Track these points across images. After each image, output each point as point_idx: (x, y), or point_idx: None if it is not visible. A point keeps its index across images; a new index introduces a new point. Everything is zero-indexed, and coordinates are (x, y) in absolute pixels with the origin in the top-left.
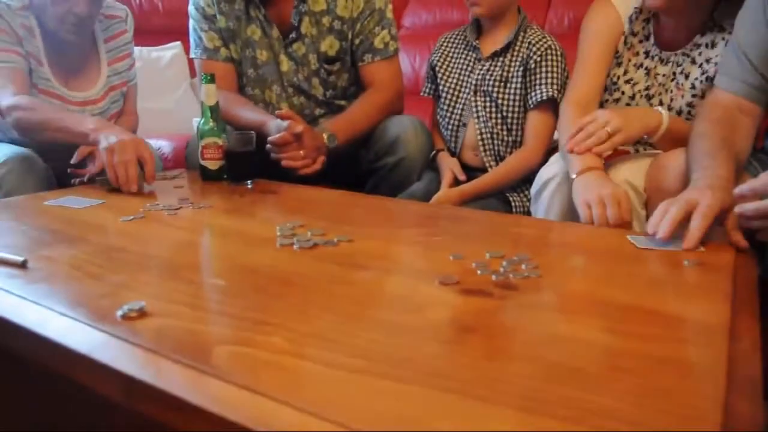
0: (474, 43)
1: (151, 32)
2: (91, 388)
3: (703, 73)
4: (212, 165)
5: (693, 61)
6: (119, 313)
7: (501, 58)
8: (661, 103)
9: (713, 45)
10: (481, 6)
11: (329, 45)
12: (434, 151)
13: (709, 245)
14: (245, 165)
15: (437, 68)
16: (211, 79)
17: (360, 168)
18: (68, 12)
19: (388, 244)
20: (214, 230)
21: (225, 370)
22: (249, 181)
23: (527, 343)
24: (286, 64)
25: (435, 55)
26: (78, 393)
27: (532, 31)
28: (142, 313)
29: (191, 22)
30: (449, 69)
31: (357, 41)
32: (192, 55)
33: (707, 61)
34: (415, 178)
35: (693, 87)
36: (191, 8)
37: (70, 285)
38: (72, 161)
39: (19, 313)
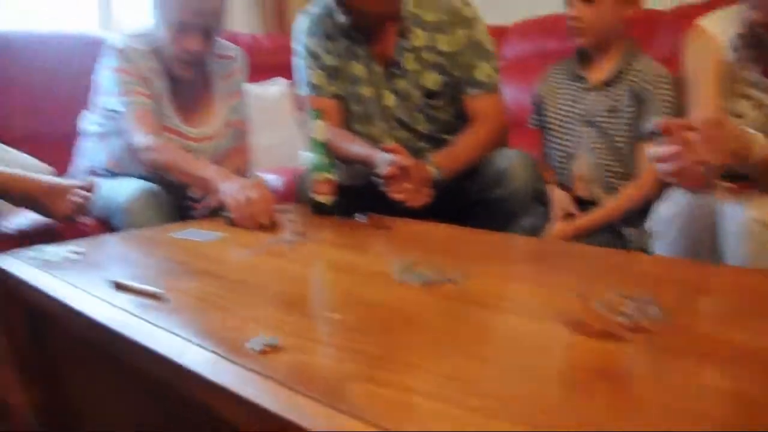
0: (580, 73)
1: (256, 69)
2: (228, 421)
3: None
4: (324, 199)
5: None
6: (251, 346)
7: (609, 88)
8: None
9: None
10: (585, 36)
11: (432, 79)
12: (545, 185)
13: None
14: (356, 199)
15: (544, 99)
16: (321, 115)
17: (465, 202)
18: (182, 50)
19: (506, 281)
20: (332, 264)
21: (360, 408)
22: (360, 215)
23: (666, 392)
24: (390, 100)
25: (541, 86)
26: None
27: (641, 59)
28: (275, 348)
29: (297, 60)
30: (556, 100)
31: (459, 75)
32: (299, 92)
33: None
34: (523, 212)
35: None
36: (297, 47)
37: (202, 317)
38: (192, 195)
39: (161, 343)
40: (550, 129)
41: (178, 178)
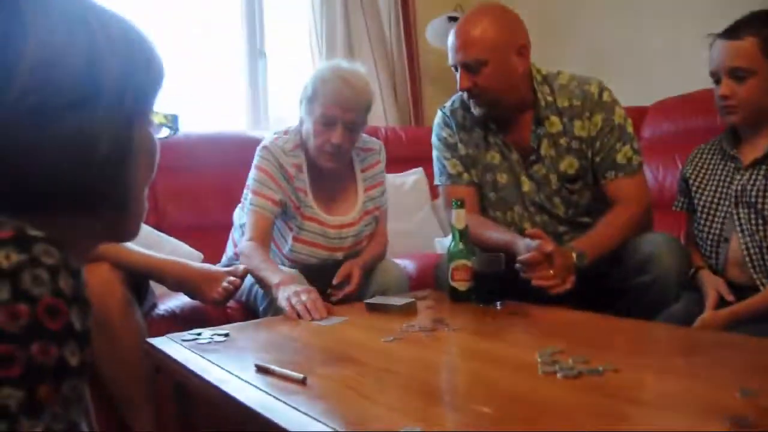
0: (732, 153)
1: (394, 159)
2: None
3: None
4: (462, 286)
5: None
6: None
7: (764, 166)
8: None
9: None
10: (736, 114)
11: (569, 164)
12: (693, 270)
13: None
14: (494, 286)
15: (691, 181)
16: (461, 204)
17: (609, 288)
18: (326, 141)
19: (660, 374)
20: (472, 354)
21: None
22: (498, 302)
23: None
24: (527, 185)
25: (688, 167)
26: None
27: None
28: None
29: (434, 153)
30: (705, 181)
31: (598, 159)
32: (437, 182)
33: None
34: (671, 298)
35: None
36: (434, 139)
37: (346, 404)
38: (333, 282)
39: (305, 429)
40: (698, 211)
41: (255, 276)
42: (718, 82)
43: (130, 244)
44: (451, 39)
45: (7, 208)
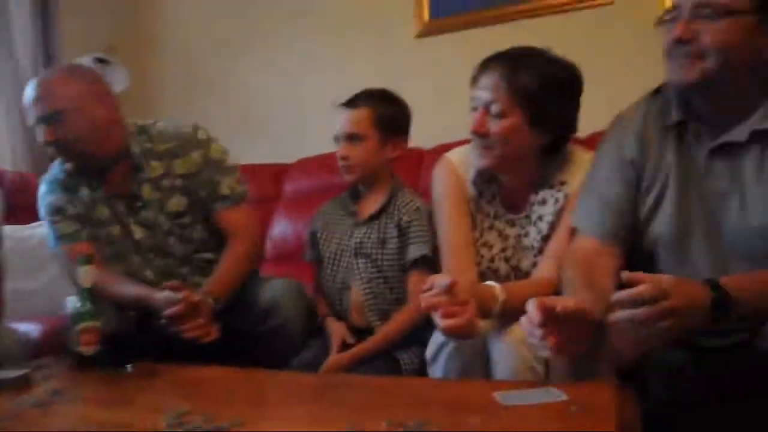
0: (351, 208)
1: (20, 209)
2: None
3: (538, 233)
4: (88, 350)
5: (531, 222)
6: None
7: (377, 221)
8: (517, 265)
9: (544, 202)
10: (352, 173)
11: (176, 203)
12: (321, 317)
13: (589, 386)
14: (124, 347)
15: (318, 234)
16: (88, 259)
17: (240, 337)
18: None
19: (283, 423)
20: (95, 426)
21: None
22: (129, 365)
23: None
24: (139, 232)
25: (316, 221)
26: None
27: (403, 193)
28: None
29: (45, 225)
30: (330, 234)
31: (204, 194)
32: (53, 250)
33: (540, 218)
34: (298, 343)
35: (533, 248)
36: (41, 212)
37: None
38: None
39: None
40: (325, 262)
41: None
42: (339, 143)
43: None
44: (27, 96)
45: None
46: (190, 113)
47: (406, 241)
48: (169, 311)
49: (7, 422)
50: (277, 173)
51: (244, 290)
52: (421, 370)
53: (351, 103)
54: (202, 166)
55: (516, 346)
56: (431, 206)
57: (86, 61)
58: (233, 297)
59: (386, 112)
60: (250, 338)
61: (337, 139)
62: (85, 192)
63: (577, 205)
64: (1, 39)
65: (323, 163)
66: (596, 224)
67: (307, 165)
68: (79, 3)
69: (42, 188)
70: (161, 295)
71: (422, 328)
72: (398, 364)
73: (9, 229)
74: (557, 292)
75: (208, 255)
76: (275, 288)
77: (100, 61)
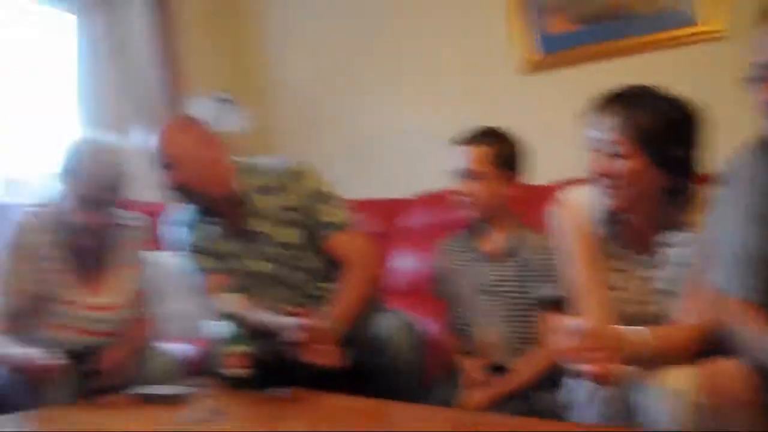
0: (476, 246)
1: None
2: None
3: (666, 275)
4: (240, 373)
5: (657, 264)
6: None
7: (507, 259)
8: (644, 308)
9: (671, 243)
10: (472, 210)
11: (287, 234)
12: (453, 354)
13: None
14: (274, 372)
15: (445, 271)
16: (232, 287)
17: (356, 369)
18: (84, 222)
19: None
20: None
21: None
22: (278, 389)
23: None
24: (255, 265)
25: (441, 258)
26: None
27: (529, 231)
28: None
29: (181, 257)
30: (458, 271)
31: (311, 223)
32: (193, 283)
33: (667, 260)
34: (413, 379)
35: (660, 290)
36: (176, 243)
37: None
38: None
39: None
40: (454, 299)
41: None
42: (457, 179)
43: None
44: (153, 144)
45: None
46: (303, 150)
47: (537, 279)
48: (292, 337)
49: None
50: (390, 208)
51: (362, 322)
52: (554, 411)
53: (471, 140)
54: (307, 198)
55: (677, 393)
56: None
57: (207, 101)
58: (354, 326)
59: (505, 150)
60: (365, 372)
61: (454, 175)
62: (209, 229)
63: (714, 262)
64: (137, 77)
65: (437, 198)
66: (740, 286)
67: (428, 199)
68: (199, 47)
69: (173, 227)
70: (285, 321)
71: (554, 369)
72: (529, 403)
73: (158, 255)
74: (708, 339)
75: (326, 284)
76: (387, 322)
77: (220, 101)
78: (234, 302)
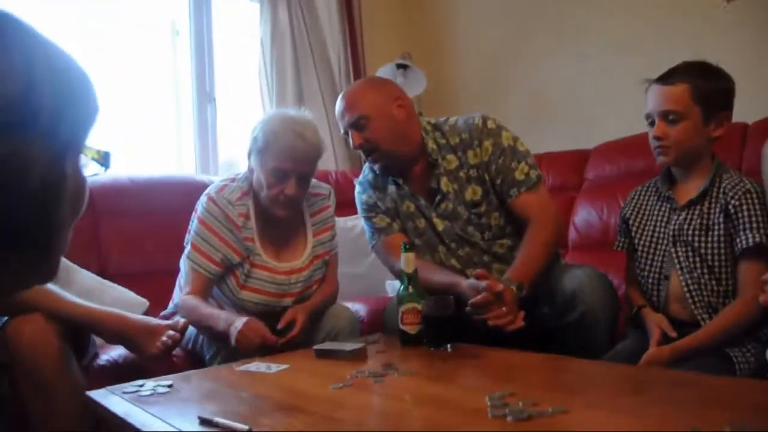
0: (667, 194)
1: (345, 203)
2: None
3: None
4: (412, 330)
5: None
6: None
7: (699, 206)
8: None
9: None
10: (668, 155)
11: (472, 192)
12: (636, 308)
13: None
14: (444, 329)
15: (630, 221)
16: (410, 247)
17: (541, 328)
18: (280, 193)
19: (610, 414)
20: (423, 399)
21: None
22: (448, 345)
23: None
24: (441, 224)
25: (627, 208)
26: None
27: (728, 175)
28: None
29: (362, 221)
30: (644, 221)
31: (498, 181)
32: (371, 244)
33: None
34: (603, 335)
35: None
36: (358, 209)
37: None
38: (278, 326)
39: None
40: (639, 250)
41: (200, 328)
42: (652, 124)
43: (66, 293)
44: (337, 108)
45: None
46: (485, 108)
47: (735, 227)
48: (474, 300)
49: (349, 387)
50: (577, 160)
51: (546, 279)
52: (760, 371)
53: (666, 78)
54: (494, 154)
55: None
56: (762, 187)
57: (387, 68)
58: (536, 285)
59: (708, 86)
60: (553, 329)
61: (649, 118)
62: (392, 189)
63: None
64: (322, 57)
65: (628, 146)
66: None
67: (610, 149)
68: (378, 17)
69: (357, 188)
70: (467, 283)
71: (760, 324)
72: (731, 362)
73: (338, 221)
74: None
75: (506, 241)
76: (578, 277)
77: (400, 66)
78: (411, 261)
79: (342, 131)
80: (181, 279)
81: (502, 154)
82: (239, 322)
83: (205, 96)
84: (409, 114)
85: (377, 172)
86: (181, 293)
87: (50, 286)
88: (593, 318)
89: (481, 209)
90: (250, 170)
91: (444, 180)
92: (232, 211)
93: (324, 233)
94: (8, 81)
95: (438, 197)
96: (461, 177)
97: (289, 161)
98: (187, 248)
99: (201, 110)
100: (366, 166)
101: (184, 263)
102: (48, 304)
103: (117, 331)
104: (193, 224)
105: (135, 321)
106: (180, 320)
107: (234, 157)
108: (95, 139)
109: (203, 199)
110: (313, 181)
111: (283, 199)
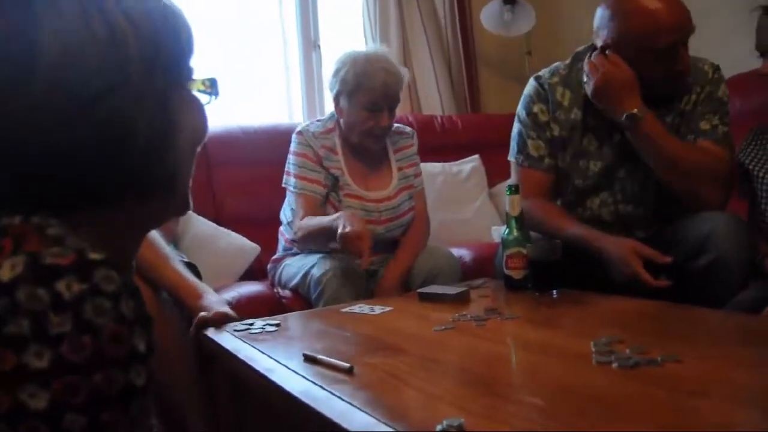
0: None
1: (452, 148)
2: None
3: None
4: (516, 274)
5: None
6: (439, 428)
7: None
8: None
9: None
10: None
11: None
12: (760, 257)
13: None
14: (550, 274)
15: (750, 166)
16: (516, 189)
17: (671, 273)
18: (375, 126)
19: (726, 365)
20: (525, 343)
21: None
22: (554, 291)
23: None
24: (623, 172)
25: (745, 151)
26: None
27: None
28: (460, 430)
29: (517, 126)
30: (763, 165)
31: (681, 127)
32: (511, 158)
33: None
34: (737, 282)
35: None
36: (521, 112)
37: (391, 394)
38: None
39: (348, 419)
40: (760, 195)
41: (318, 233)
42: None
43: (170, 258)
44: (665, 17)
45: (51, 209)
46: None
47: None
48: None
49: (451, 330)
50: None
51: (676, 223)
52: None
53: None
54: (702, 101)
55: None
56: None
57: (495, 4)
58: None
59: None
60: (682, 274)
61: (759, 50)
62: (577, 114)
63: None
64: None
65: (743, 82)
66: None
67: (731, 85)
68: None
69: (531, 87)
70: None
71: None
72: None
73: (441, 166)
74: None
75: (668, 211)
76: (712, 219)
77: (507, 2)
78: (517, 204)
79: (667, 44)
80: (284, 229)
81: (707, 101)
82: (347, 225)
83: (309, 43)
84: None
85: (589, 90)
86: (290, 228)
87: (161, 243)
88: (728, 264)
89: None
90: (339, 112)
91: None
92: (315, 144)
93: (408, 168)
94: (88, 45)
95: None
96: (667, 123)
97: (382, 96)
98: (291, 183)
99: (306, 58)
100: (555, 69)
101: (285, 208)
102: (147, 265)
103: (180, 302)
104: (291, 160)
105: (200, 305)
106: (229, 312)
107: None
108: (200, 70)
109: (293, 135)
110: (395, 123)
111: (378, 131)
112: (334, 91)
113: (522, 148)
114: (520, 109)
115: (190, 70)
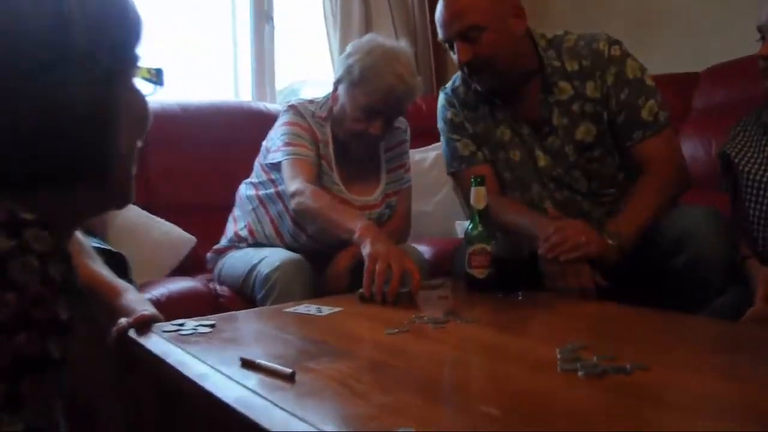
0: None
1: (415, 133)
2: None
3: None
4: (480, 273)
5: None
6: None
7: None
8: None
9: None
10: None
11: (585, 131)
12: (741, 258)
13: None
14: (516, 274)
15: (732, 158)
16: (481, 181)
17: (642, 271)
18: (364, 131)
19: (696, 374)
20: (485, 349)
21: None
22: (519, 292)
23: None
24: (543, 160)
25: (729, 143)
26: None
27: None
28: None
29: (442, 139)
30: (747, 157)
31: (620, 119)
32: (450, 170)
33: None
34: (716, 282)
35: None
36: (440, 124)
37: (336, 403)
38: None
39: (283, 426)
40: (743, 191)
41: (323, 226)
42: (763, 38)
43: (85, 250)
44: (439, 13)
45: None
46: (582, 23)
47: None
48: (542, 250)
49: (405, 333)
50: (682, 85)
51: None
52: None
53: None
54: (616, 86)
55: None
56: None
57: None
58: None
59: None
60: (658, 274)
61: (761, 31)
62: (485, 110)
63: None
64: None
65: (743, 68)
66: None
67: (723, 72)
68: None
69: (441, 98)
70: (542, 227)
71: None
72: None
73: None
74: None
75: (612, 191)
76: (690, 215)
77: None
78: (483, 196)
79: (443, 41)
80: (236, 210)
81: (626, 86)
82: (386, 260)
83: (262, 14)
84: (525, 26)
85: (478, 88)
86: (293, 182)
87: (84, 242)
88: (708, 263)
89: (593, 153)
90: (334, 98)
91: (556, 111)
92: (313, 123)
93: (399, 169)
94: (33, 19)
95: (546, 129)
96: (574, 111)
97: (382, 103)
98: (282, 153)
99: (258, 30)
100: (457, 76)
101: (245, 189)
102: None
103: (104, 302)
104: (281, 131)
105: (122, 306)
106: (155, 314)
107: (293, 85)
108: (146, 59)
109: (285, 108)
110: None
111: (366, 138)
112: (337, 74)
113: (453, 154)
114: (438, 121)
115: (136, 57)
